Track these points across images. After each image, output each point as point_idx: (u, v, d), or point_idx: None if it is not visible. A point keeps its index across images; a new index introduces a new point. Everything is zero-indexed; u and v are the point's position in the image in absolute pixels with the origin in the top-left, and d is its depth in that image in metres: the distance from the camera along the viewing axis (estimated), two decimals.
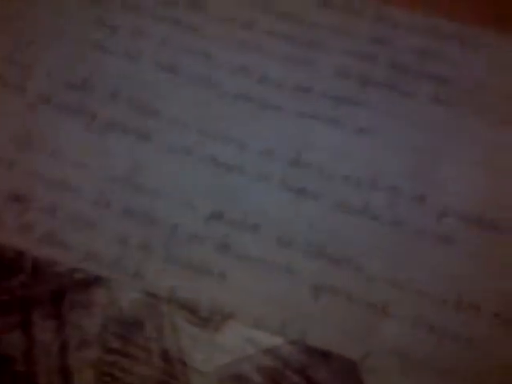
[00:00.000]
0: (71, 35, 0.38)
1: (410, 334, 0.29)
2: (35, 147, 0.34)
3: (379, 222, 0.32)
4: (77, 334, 0.27)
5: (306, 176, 0.33)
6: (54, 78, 0.36)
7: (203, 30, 0.37)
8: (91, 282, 0.29)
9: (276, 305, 0.29)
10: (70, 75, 0.36)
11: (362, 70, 0.36)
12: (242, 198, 0.32)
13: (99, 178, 0.33)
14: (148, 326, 0.28)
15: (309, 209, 0.32)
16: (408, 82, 0.35)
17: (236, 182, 0.33)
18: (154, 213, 0.32)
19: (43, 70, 0.36)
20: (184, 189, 0.33)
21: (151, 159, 0.34)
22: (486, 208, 0.32)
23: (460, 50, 0.37)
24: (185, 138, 0.34)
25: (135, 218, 0.32)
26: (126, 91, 0.36)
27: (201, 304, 0.29)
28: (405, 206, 0.32)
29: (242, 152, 0.34)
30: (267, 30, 0.38)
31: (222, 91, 0.36)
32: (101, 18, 0.38)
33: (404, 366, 0.28)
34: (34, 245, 0.31)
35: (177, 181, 0.33)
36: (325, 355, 0.27)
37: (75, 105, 0.35)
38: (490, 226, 0.31)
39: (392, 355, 0.28)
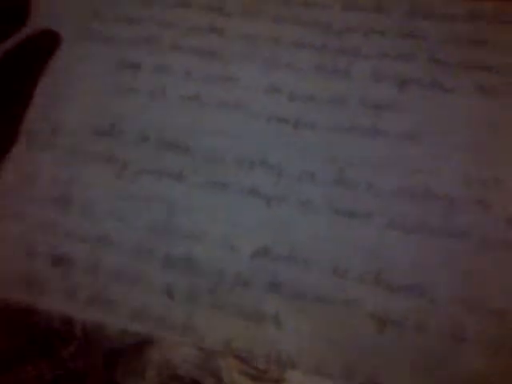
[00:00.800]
0: (95, 81, 0.36)
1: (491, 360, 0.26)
2: (71, 205, 0.33)
3: (440, 237, 0.29)
4: None
5: (354, 195, 0.31)
6: (82, 128, 0.35)
7: (225, 53, 0.35)
8: (142, 344, 0.28)
9: (338, 346, 0.27)
10: (98, 123, 0.35)
11: (399, 69, 0.33)
12: (287, 229, 0.30)
13: (137, 228, 0.32)
14: None
15: (361, 231, 0.30)
16: (449, 75, 0.32)
17: (279, 212, 0.31)
18: (195, 258, 0.30)
19: (70, 123, 0.35)
20: (223, 227, 0.31)
21: (186, 200, 0.32)
22: None
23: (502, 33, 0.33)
24: (219, 172, 0.32)
25: (178, 266, 0.30)
26: (154, 131, 0.34)
27: (257, 354, 0.27)
28: (465, 214, 0.29)
29: (281, 179, 0.32)
30: (292, 42, 0.35)
31: (253, 115, 0.34)
32: (123, 59, 0.36)
33: None
34: (81, 308, 0.30)
35: (215, 219, 0.31)
36: None
37: (105, 153, 0.34)
38: None
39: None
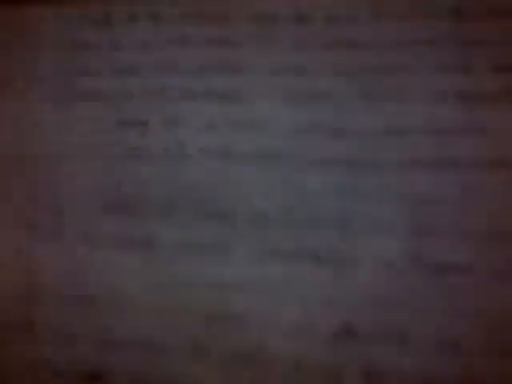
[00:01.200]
0: (105, 148, 0.30)
1: None
2: (97, 302, 0.27)
3: None
4: None
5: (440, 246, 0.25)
6: (89, 207, 0.29)
7: (249, 96, 0.30)
8: None
9: None
10: (107, 197, 0.29)
11: (462, 84, 0.28)
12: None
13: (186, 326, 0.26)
14: None
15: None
16: None
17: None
18: (266, 351, 0.25)
19: (75, 202, 0.29)
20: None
21: (237, 278, 0.26)
22: None
23: None
24: (267, 241, 0.27)
25: (242, 360, 0.24)
26: (180, 198, 0.28)
27: None
28: None
29: (348, 239, 0.26)
30: (330, 69, 0.29)
31: (296, 164, 0.28)
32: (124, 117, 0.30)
33: None
34: None
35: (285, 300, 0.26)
36: None
37: (121, 233, 0.28)
38: None
39: None
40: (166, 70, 0.30)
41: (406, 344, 0.24)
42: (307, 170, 0.28)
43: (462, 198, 0.26)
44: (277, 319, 0.25)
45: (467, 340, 0.24)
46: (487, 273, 0.25)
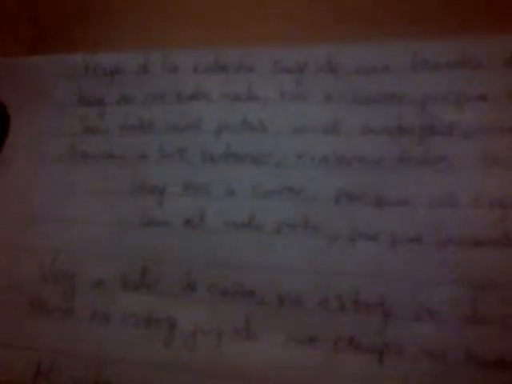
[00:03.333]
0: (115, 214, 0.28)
1: None
2: None
3: None
4: None
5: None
6: (106, 281, 0.27)
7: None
8: None
9: None
10: (125, 271, 0.26)
11: None
12: None
13: None
14: None
15: None
16: None
17: None
18: None
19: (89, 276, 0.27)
20: None
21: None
22: None
23: None
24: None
25: None
26: (200, 274, 0.26)
27: None
28: None
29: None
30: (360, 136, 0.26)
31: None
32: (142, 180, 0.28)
33: None
34: None
35: None
36: None
37: (141, 312, 0.26)
38: None
39: None
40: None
41: None
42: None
43: None
44: None
45: None
46: None
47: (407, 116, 0.25)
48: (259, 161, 0.26)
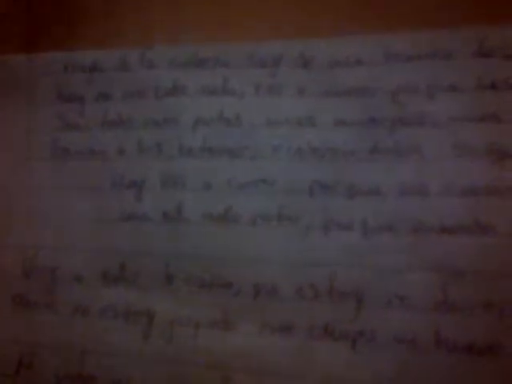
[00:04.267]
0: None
1: None
2: None
3: None
4: None
5: None
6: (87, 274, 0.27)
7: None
8: None
9: None
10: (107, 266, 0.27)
11: None
12: None
13: None
14: None
15: None
16: None
17: None
18: None
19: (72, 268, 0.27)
20: None
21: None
22: None
23: None
24: None
25: None
26: (180, 271, 0.26)
27: None
28: None
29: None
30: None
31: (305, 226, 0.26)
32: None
33: None
34: None
35: None
36: None
37: (119, 304, 0.26)
38: None
39: None
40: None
41: None
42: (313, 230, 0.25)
43: None
44: None
45: None
46: None
47: (379, 108, 0.25)
48: (235, 154, 0.26)
